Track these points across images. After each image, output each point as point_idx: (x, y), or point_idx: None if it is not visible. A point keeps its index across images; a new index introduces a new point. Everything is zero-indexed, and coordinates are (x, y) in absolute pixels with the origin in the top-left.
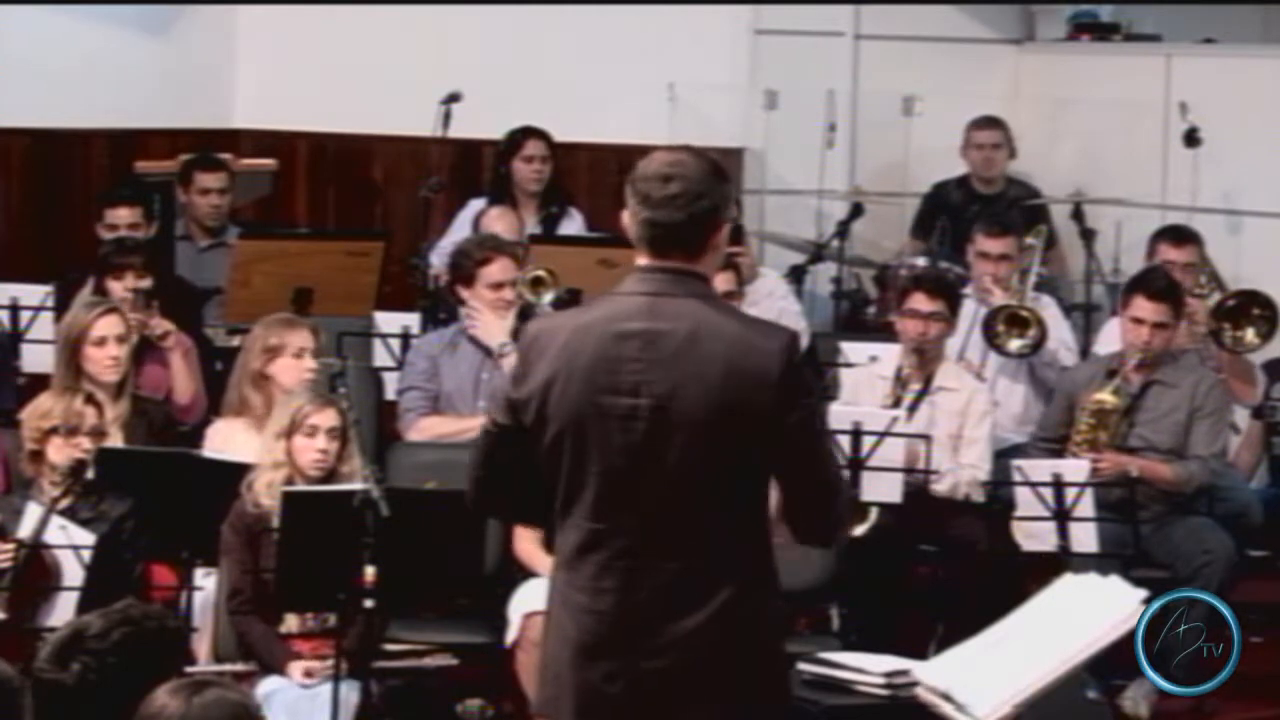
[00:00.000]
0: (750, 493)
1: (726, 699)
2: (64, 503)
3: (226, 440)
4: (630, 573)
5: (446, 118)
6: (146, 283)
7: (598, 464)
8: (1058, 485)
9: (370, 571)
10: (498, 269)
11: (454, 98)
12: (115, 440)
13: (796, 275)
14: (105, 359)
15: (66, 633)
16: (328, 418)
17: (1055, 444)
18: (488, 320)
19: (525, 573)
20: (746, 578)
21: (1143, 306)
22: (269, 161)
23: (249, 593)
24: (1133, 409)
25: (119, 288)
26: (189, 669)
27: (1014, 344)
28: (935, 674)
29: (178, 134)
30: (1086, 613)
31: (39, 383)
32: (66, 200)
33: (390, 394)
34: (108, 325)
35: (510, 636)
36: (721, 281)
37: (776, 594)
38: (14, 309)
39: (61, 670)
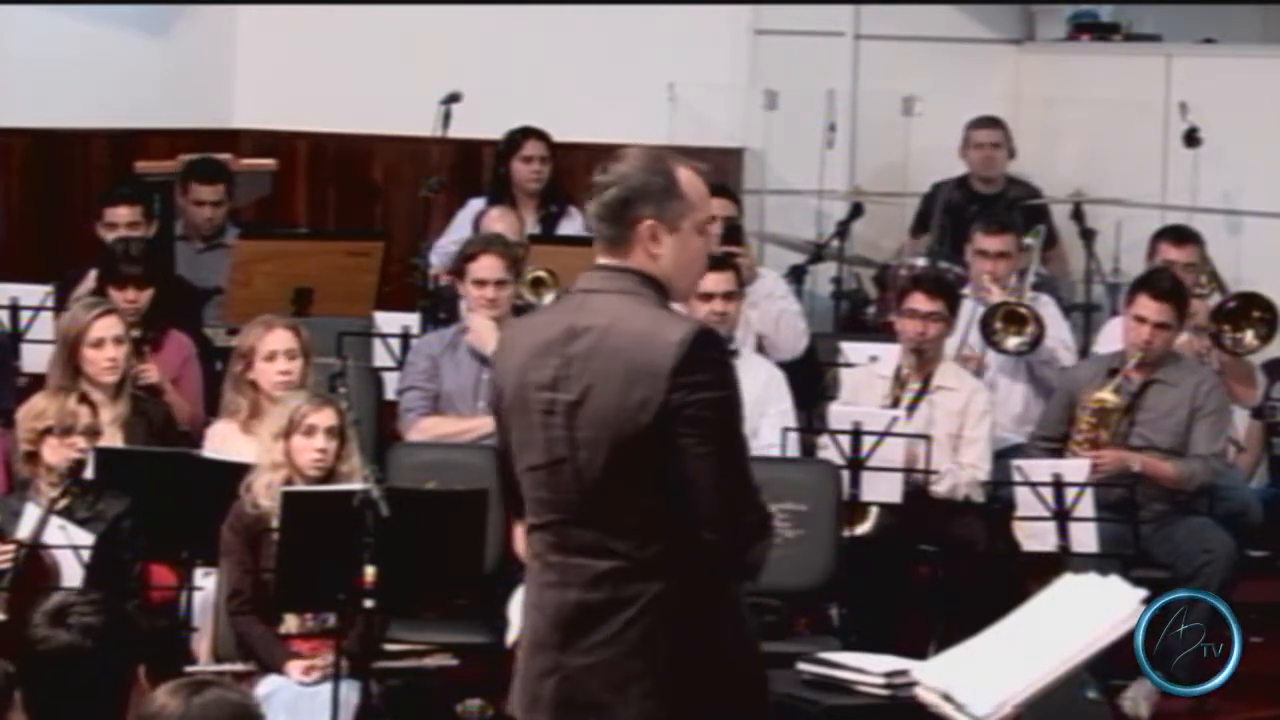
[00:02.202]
0: (674, 490)
1: (662, 698)
2: (62, 503)
3: (226, 441)
4: (561, 569)
5: (446, 118)
6: (147, 295)
7: (530, 459)
8: (1058, 485)
9: (370, 571)
10: (483, 265)
11: (454, 98)
12: (115, 440)
13: (796, 275)
14: (103, 360)
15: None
16: (326, 417)
17: (1055, 443)
18: (478, 325)
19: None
20: (684, 576)
21: (1146, 305)
22: (269, 161)
23: (249, 593)
24: (1133, 408)
25: (120, 298)
26: (189, 669)
27: (1011, 341)
28: (935, 674)
29: (178, 134)
30: (1086, 613)
31: (39, 383)
32: (66, 200)
33: (390, 394)
34: (105, 326)
35: (510, 636)
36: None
37: (728, 592)
38: (14, 309)
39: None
